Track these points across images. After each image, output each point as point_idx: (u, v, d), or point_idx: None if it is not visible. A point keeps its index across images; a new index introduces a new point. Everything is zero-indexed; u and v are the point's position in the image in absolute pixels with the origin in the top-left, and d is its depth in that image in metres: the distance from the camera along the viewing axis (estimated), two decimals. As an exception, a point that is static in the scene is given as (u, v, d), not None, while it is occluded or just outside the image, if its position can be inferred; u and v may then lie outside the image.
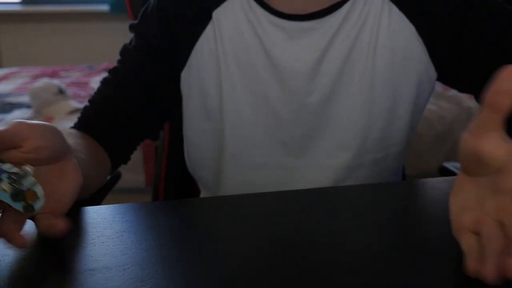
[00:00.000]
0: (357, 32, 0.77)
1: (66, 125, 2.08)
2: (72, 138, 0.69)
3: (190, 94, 0.83)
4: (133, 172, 1.94)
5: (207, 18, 0.79)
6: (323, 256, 0.47)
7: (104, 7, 3.46)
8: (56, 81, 2.34)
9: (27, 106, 2.25)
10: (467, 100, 2.17)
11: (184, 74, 0.82)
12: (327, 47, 0.77)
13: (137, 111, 0.82)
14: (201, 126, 0.84)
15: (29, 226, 0.51)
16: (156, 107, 0.84)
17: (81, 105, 2.23)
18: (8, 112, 2.21)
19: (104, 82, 0.83)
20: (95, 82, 2.69)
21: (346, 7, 0.77)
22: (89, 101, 0.83)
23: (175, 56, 0.81)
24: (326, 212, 0.57)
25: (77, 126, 0.81)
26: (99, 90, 0.83)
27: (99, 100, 0.82)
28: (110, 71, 0.83)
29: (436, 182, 0.66)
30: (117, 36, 3.45)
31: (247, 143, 0.81)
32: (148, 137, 0.87)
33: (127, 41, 0.85)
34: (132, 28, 0.84)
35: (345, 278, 0.44)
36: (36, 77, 2.75)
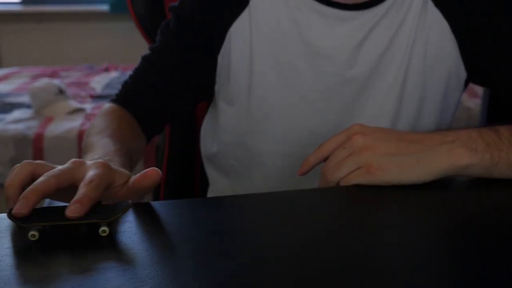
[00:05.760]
0: (397, 27, 0.77)
1: (66, 125, 2.08)
2: (114, 119, 0.78)
3: (222, 76, 0.84)
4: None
5: (245, 2, 0.80)
6: (332, 256, 0.47)
7: (104, 7, 3.46)
8: (56, 81, 2.34)
9: (27, 106, 2.25)
10: (467, 100, 2.17)
11: (220, 58, 0.83)
12: (366, 37, 0.77)
13: (174, 91, 0.85)
14: (226, 110, 0.85)
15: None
16: (192, 87, 0.86)
17: (81, 105, 2.23)
18: (8, 112, 2.21)
19: (144, 59, 0.86)
20: (95, 82, 2.68)
21: (389, 1, 0.77)
22: (130, 76, 0.87)
23: (211, 38, 0.82)
24: (330, 212, 0.57)
25: (116, 100, 0.85)
26: (140, 67, 0.86)
27: (138, 77, 0.86)
28: (151, 48, 0.87)
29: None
30: (117, 36, 3.46)
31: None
32: (179, 116, 0.93)
33: (127, 41, 0.86)
34: (171, 10, 0.85)
35: (358, 278, 0.44)
36: (36, 77, 2.75)
